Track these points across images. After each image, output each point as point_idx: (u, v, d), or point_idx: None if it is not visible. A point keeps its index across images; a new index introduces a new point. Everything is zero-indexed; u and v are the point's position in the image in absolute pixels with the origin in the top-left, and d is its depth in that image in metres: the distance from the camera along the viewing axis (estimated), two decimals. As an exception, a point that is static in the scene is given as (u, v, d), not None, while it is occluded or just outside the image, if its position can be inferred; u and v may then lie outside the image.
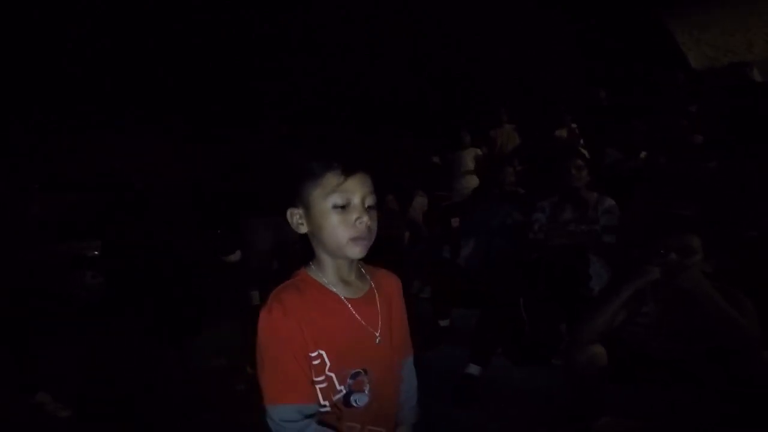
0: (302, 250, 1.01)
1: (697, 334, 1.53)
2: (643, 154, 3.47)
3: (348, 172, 0.91)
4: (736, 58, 5.87)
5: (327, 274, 0.97)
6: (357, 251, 0.92)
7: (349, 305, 0.95)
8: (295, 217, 0.96)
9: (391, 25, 5.98)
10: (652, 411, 1.62)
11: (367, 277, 1.03)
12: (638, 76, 5.00)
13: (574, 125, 4.99)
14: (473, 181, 5.30)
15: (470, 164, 5.46)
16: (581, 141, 4.54)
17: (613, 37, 5.97)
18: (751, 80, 3.61)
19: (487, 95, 6.82)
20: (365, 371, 0.95)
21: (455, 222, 3.62)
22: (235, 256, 4.16)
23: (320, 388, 0.91)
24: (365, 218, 0.91)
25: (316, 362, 0.91)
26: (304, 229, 0.97)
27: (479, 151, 5.56)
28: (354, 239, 0.91)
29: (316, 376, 0.91)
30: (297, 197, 0.96)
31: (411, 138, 7.79)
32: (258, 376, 0.91)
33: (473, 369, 2.34)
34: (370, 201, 0.93)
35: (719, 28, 6.31)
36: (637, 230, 2.18)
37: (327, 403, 0.92)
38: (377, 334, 0.97)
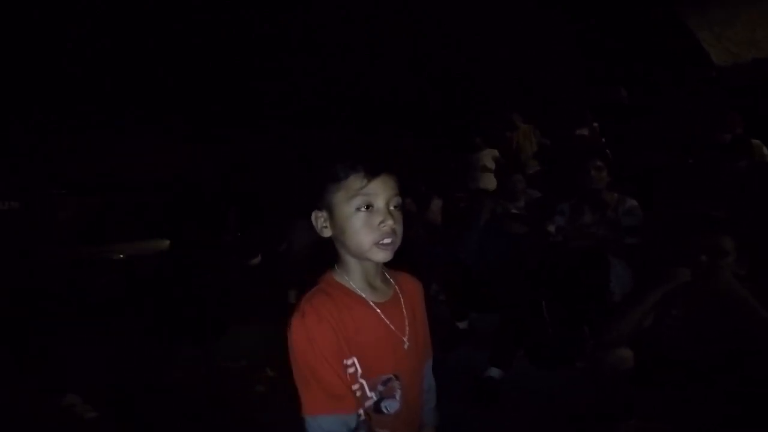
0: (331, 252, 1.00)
1: (728, 336, 1.49)
2: (667, 154, 3.40)
3: (371, 174, 0.89)
4: (761, 53, 5.72)
5: (353, 278, 0.95)
6: (381, 255, 0.90)
7: (378, 310, 0.93)
8: (320, 220, 0.95)
9: (391, 25, 5.96)
10: (678, 414, 1.58)
11: (391, 280, 1.01)
12: (663, 74, 4.90)
13: (595, 124, 4.90)
14: (491, 183, 5.25)
15: (489, 165, 5.41)
16: (603, 140, 4.46)
17: (611, 38, 5.88)
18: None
19: (488, 95, 6.78)
20: (396, 377, 0.94)
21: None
22: (256, 260, 4.21)
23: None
24: (389, 221, 0.89)
25: (351, 370, 0.89)
26: (328, 233, 0.95)
27: (496, 152, 5.51)
28: (378, 243, 0.89)
29: (352, 384, 0.89)
30: (321, 200, 0.94)
31: (411, 138, 7.78)
32: (296, 385, 0.89)
33: (494, 372, 2.33)
34: (394, 203, 0.91)
35: (741, 23, 6.16)
36: (663, 231, 2.12)
37: (360, 411, 0.90)
38: (405, 339, 0.95)
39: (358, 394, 0.90)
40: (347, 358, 0.88)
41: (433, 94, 7.44)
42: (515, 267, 2.66)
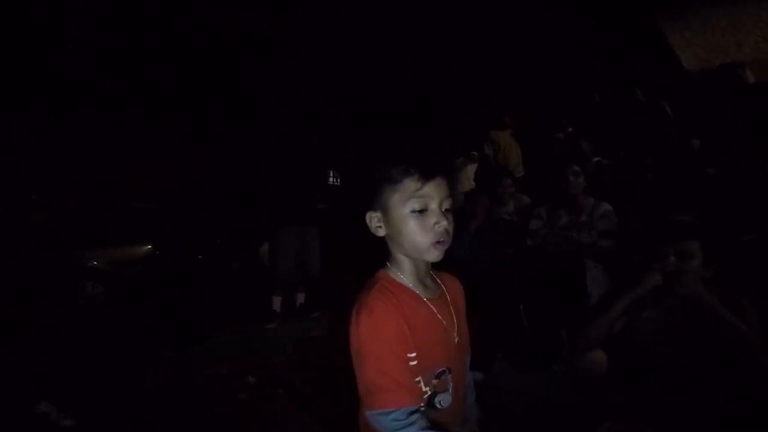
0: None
1: (699, 338, 1.54)
2: (640, 159, 3.48)
3: (426, 177, 0.93)
4: (728, 58, 5.90)
5: (406, 275, 0.99)
6: (436, 255, 0.95)
7: (431, 305, 0.98)
8: (374, 220, 0.99)
9: (391, 25, 5.97)
10: (655, 414, 1.63)
11: (437, 279, 1.06)
12: (635, 78, 5.01)
13: (570, 129, 4.99)
14: (469, 186, 5.29)
15: (471, 168, 5.44)
16: (580, 144, 4.54)
17: (611, 38, 5.99)
18: (744, 81, 3.63)
19: (487, 95, 6.83)
20: (449, 370, 0.98)
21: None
22: (235, 265, 4.17)
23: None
24: (444, 222, 0.93)
25: (413, 363, 0.91)
26: (382, 232, 0.99)
27: (476, 155, 5.53)
28: (434, 243, 0.93)
29: (415, 377, 0.92)
30: (375, 201, 0.98)
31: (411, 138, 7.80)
32: (358, 380, 0.90)
33: (475, 375, 2.35)
34: (447, 204, 0.96)
35: (710, 28, 6.34)
36: (636, 237, 2.19)
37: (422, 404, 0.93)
38: (455, 334, 1.01)
39: (419, 387, 0.92)
40: (412, 351, 0.91)
41: (432, 94, 7.47)
42: (496, 271, 2.70)
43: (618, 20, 5.98)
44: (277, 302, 3.90)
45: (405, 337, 0.90)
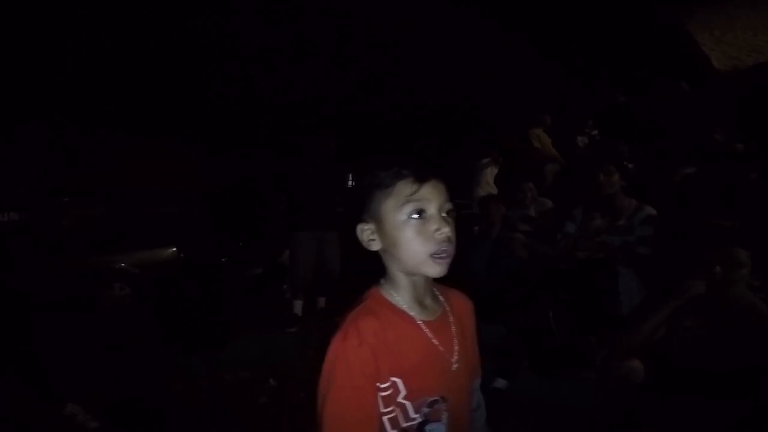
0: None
1: (743, 348, 1.47)
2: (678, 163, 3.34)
3: (420, 179, 0.84)
4: (761, 57, 5.72)
5: (402, 294, 0.89)
6: (437, 269, 0.84)
7: (426, 329, 0.88)
8: (366, 232, 0.89)
9: (406, 28, 5.98)
10: (689, 424, 1.56)
11: (440, 297, 0.95)
12: (668, 82, 4.87)
13: (595, 132, 4.89)
14: (493, 189, 5.22)
15: (492, 171, 5.37)
16: (612, 144, 4.41)
17: (639, 42, 5.85)
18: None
19: (497, 103, 6.78)
20: (443, 399, 0.89)
21: (476, 230, 3.55)
22: (258, 271, 4.20)
23: (389, 418, 0.85)
24: (445, 229, 0.83)
25: (386, 393, 0.84)
26: (376, 246, 0.88)
27: (498, 163, 5.46)
28: (433, 255, 0.83)
29: (386, 407, 0.85)
30: (366, 211, 0.88)
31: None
32: (319, 403, 0.85)
33: (500, 383, 2.30)
34: (447, 209, 0.86)
35: (740, 27, 6.16)
36: (675, 242, 2.09)
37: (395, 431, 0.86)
38: (454, 360, 0.90)
39: (394, 415, 0.85)
40: (385, 381, 0.84)
41: (437, 98, 7.44)
42: (523, 276, 2.62)
43: (640, 24, 5.85)
44: (298, 306, 3.92)
45: (375, 368, 0.82)
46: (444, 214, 0.85)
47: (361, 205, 0.89)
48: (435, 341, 0.88)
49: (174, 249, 4.40)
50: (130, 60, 5.86)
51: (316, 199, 3.82)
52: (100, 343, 3.60)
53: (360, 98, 7.18)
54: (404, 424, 0.86)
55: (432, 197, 0.84)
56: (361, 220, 0.89)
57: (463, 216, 4.92)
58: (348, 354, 0.82)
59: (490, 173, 5.35)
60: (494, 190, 5.19)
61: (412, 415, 0.86)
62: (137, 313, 4.15)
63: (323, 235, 3.85)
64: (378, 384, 0.83)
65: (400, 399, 0.85)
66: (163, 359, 3.28)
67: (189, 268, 4.17)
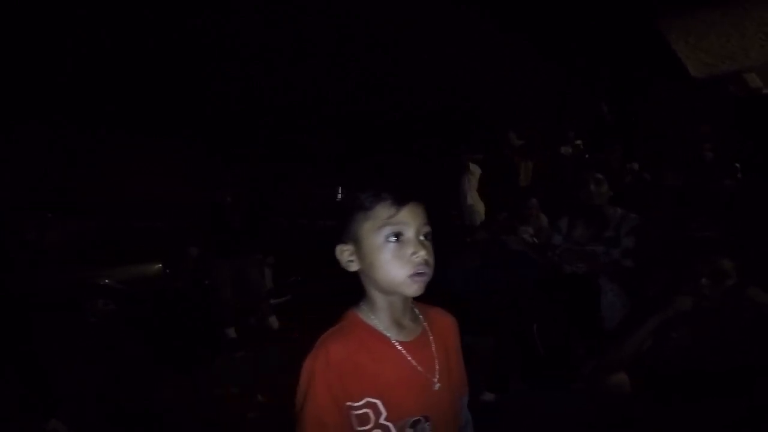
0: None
1: (739, 353, 1.48)
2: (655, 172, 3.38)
3: (399, 202, 0.86)
4: (735, 64, 5.84)
5: (379, 316, 0.91)
6: (414, 289, 0.86)
7: (403, 350, 0.89)
8: (345, 254, 0.90)
9: (399, 34, 5.98)
10: (681, 429, 1.58)
11: (420, 317, 0.96)
12: (641, 88, 4.96)
13: (578, 141, 4.94)
14: (479, 204, 5.27)
15: (475, 182, 5.42)
16: (587, 157, 4.49)
17: (616, 49, 5.94)
18: (752, 89, 3.56)
19: (489, 107, 6.83)
20: (426, 418, 0.89)
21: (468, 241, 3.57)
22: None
23: None
24: (422, 252, 0.85)
25: (360, 411, 0.85)
26: (355, 267, 0.90)
27: (479, 169, 5.52)
28: (411, 276, 0.85)
29: (361, 426, 0.86)
30: (345, 233, 0.90)
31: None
32: (297, 416, 0.87)
33: (489, 396, 2.32)
34: (424, 232, 0.88)
35: (715, 34, 6.28)
36: (658, 254, 2.11)
37: None
38: (435, 379, 0.91)
39: None
40: (357, 401, 0.85)
41: (437, 98, 7.46)
42: (509, 292, 2.64)
43: (617, 31, 5.94)
44: (231, 332, 3.97)
45: (341, 390, 0.84)
46: (422, 237, 0.87)
47: (341, 226, 0.91)
48: (413, 362, 0.90)
49: (160, 265, 4.33)
50: (130, 60, 5.76)
51: (228, 227, 3.91)
52: (85, 358, 3.52)
53: (360, 98, 7.15)
54: None
55: (410, 220, 0.86)
56: (340, 241, 0.91)
57: (454, 226, 4.93)
58: (316, 374, 0.85)
59: (474, 180, 5.40)
60: (481, 204, 5.23)
61: None
62: (123, 328, 4.07)
63: (240, 261, 3.93)
64: (350, 403, 0.85)
65: (382, 420, 0.86)
66: (151, 374, 3.23)
67: (176, 285, 4.11)
